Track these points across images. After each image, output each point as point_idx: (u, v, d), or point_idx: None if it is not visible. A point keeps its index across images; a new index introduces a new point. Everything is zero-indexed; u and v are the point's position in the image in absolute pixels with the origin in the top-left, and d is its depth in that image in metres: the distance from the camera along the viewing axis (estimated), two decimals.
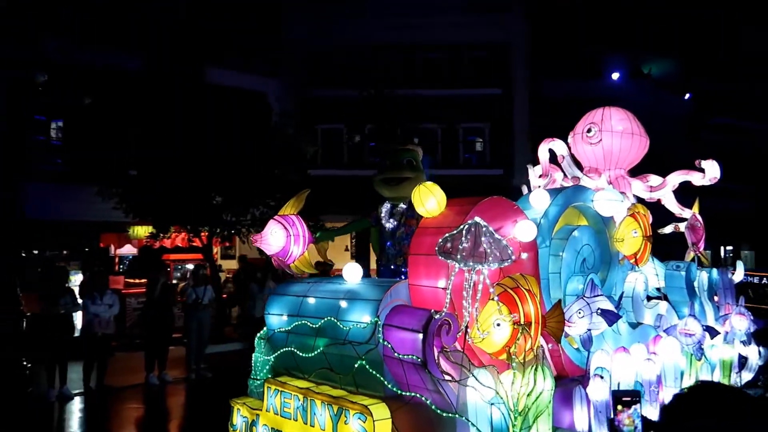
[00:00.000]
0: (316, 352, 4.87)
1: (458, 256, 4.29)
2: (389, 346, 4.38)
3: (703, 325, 5.81)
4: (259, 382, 5.30)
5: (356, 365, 4.56)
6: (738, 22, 25.11)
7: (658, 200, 6.81)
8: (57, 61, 16.52)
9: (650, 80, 25.47)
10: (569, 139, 6.72)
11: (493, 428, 4.19)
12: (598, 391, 4.85)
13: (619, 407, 4.81)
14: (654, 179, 6.70)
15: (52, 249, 17.40)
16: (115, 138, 14.76)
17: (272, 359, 5.29)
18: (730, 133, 26.85)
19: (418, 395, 4.33)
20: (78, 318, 10.91)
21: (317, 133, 21.30)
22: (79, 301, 10.76)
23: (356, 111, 20.01)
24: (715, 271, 7.16)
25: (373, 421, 4.31)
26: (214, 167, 14.25)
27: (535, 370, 4.34)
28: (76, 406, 9.90)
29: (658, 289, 6.67)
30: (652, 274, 6.54)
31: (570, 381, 5.08)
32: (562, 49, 23.00)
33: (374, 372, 4.50)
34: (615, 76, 24.50)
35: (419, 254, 4.68)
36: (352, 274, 5.00)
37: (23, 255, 16.76)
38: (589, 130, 6.43)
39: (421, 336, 4.25)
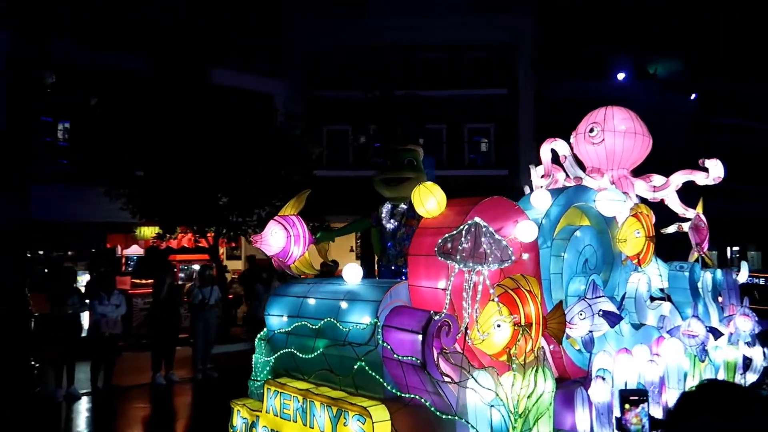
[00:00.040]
0: (315, 354, 4.82)
1: (458, 257, 4.23)
2: (388, 347, 4.32)
3: (706, 327, 5.73)
4: (259, 384, 5.25)
5: (355, 366, 4.51)
6: (744, 22, 24.93)
7: (662, 200, 6.72)
8: (63, 62, 16.56)
9: (656, 80, 25.32)
10: (571, 139, 6.65)
11: (493, 430, 4.14)
12: (600, 392, 4.79)
13: (627, 406, 4.75)
14: (657, 179, 6.61)
15: (58, 250, 17.43)
16: (122, 139, 14.78)
17: (272, 360, 5.24)
18: (736, 133, 26.64)
19: (417, 397, 4.28)
20: (85, 318, 10.92)
21: (322, 133, 21.29)
22: (86, 301, 10.76)
23: (361, 112, 19.98)
24: (719, 271, 7.07)
25: (372, 422, 4.25)
26: (220, 168, 14.25)
27: (536, 371, 4.28)
28: (83, 405, 9.95)
29: (662, 290, 6.59)
30: (655, 274, 6.47)
31: (572, 383, 5.01)
32: (567, 49, 22.90)
33: (373, 373, 4.44)
34: (621, 76, 24.38)
35: (419, 255, 4.62)
36: (351, 274, 4.95)
37: (30, 256, 16.78)
38: (591, 130, 6.36)
39: (420, 337, 4.19)
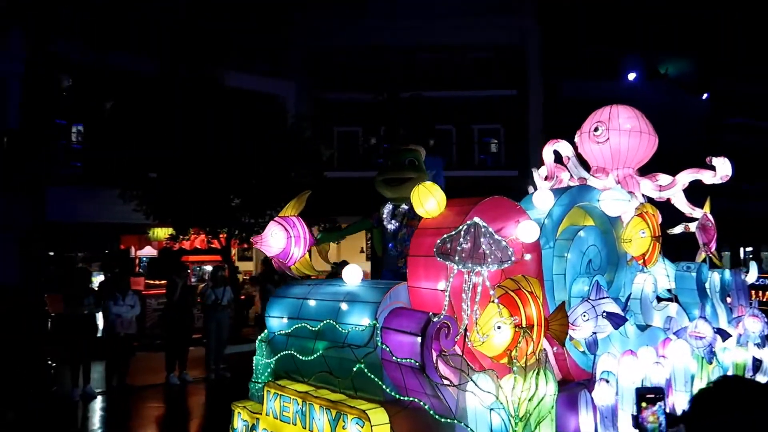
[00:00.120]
0: (315, 356, 4.72)
1: (456, 258, 4.12)
2: (387, 349, 4.22)
3: (714, 328, 5.56)
4: (260, 386, 5.16)
5: (354, 369, 4.40)
6: (754, 21, 24.56)
7: (668, 200, 6.55)
8: (76, 65, 16.63)
9: (667, 80, 25.00)
10: (576, 139, 6.50)
11: None
12: (604, 395, 4.64)
13: (644, 404, 4.62)
14: (663, 178, 6.44)
15: (72, 251, 17.50)
16: (135, 141, 14.79)
17: (273, 362, 5.15)
18: (748, 133, 26.25)
19: (416, 400, 4.17)
20: (99, 318, 10.95)
21: (333, 135, 21.22)
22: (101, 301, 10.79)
23: (372, 113, 19.90)
24: (727, 272, 6.87)
25: (371, 426, 4.14)
26: (231, 169, 14.22)
27: (537, 374, 4.15)
28: (99, 404, 9.99)
29: (669, 291, 6.41)
30: (662, 275, 6.29)
31: (575, 385, 4.88)
32: (577, 49, 22.69)
33: (372, 376, 4.33)
34: (631, 76, 24.10)
35: (419, 256, 4.51)
36: (351, 275, 4.84)
37: (45, 257, 16.86)
38: (596, 129, 6.21)
39: (419, 339, 4.08)
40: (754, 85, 26.12)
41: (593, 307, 4.63)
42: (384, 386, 4.31)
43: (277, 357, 5.10)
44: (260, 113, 15.56)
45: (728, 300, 6.84)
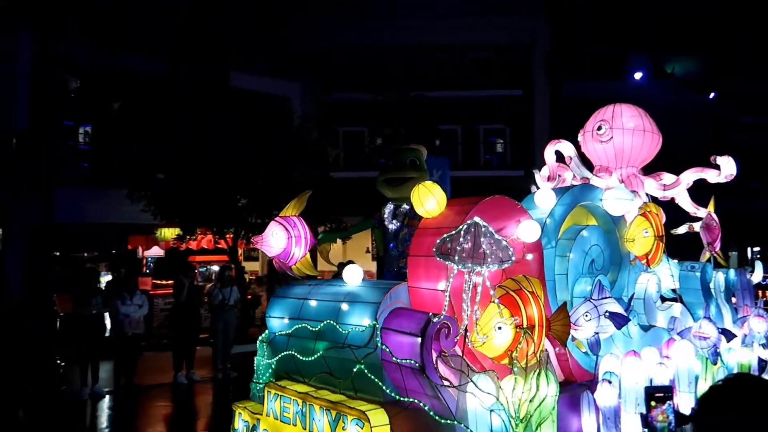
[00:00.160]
0: (315, 356, 4.67)
1: (456, 257, 4.07)
2: (387, 350, 4.17)
3: (718, 328, 5.47)
4: (261, 386, 5.12)
5: (355, 369, 4.36)
6: (761, 20, 24.32)
7: (672, 199, 6.46)
8: (84, 66, 16.68)
9: (673, 79, 24.80)
10: (579, 138, 6.42)
11: None
12: (607, 396, 4.57)
13: (653, 403, 4.57)
14: (667, 177, 6.35)
15: (80, 251, 17.55)
16: (142, 142, 14.82)
17: (274, 363, 5.10)
18: (756, 132, 26.02)
19: (416, 401, 4.11)
20: (106, 318, 10.98)
21: (338, 135, 21.18)
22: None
23: (377, 113, 19.86)
24: (732, 271, 6.77)
25: (371, 427, 4.10)
26: (238, 170, 14.23)
27: (538, 375, 4.08)
28: (107, 404, 10.05)
29: (674, 291, 6.32)
30: (666, 275, 6.20)
31: (578, 386, 4.81)
32: (582, 49, 22.53)
33: (372, 377, 4.29)
34: (637, 75, 23.91)
35: (419, 256, 4.46)
36: (351, 276, 4.79)
37: (53, 257, 16.92)
38: (599, 128, 6.12)
39: (419, 340, 4.03)
40: (762, 84, 25.87)
41: (595, 307, 4.56)
42: (384, 387, 4.26)
43: (277, 357, 5.05)
44: (266, 114, 15.56)
45: (733, 300, 6.75)
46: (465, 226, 4.11)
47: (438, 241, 4.18)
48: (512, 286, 4.18)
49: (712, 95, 25.67)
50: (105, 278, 15.74)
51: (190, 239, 16.02)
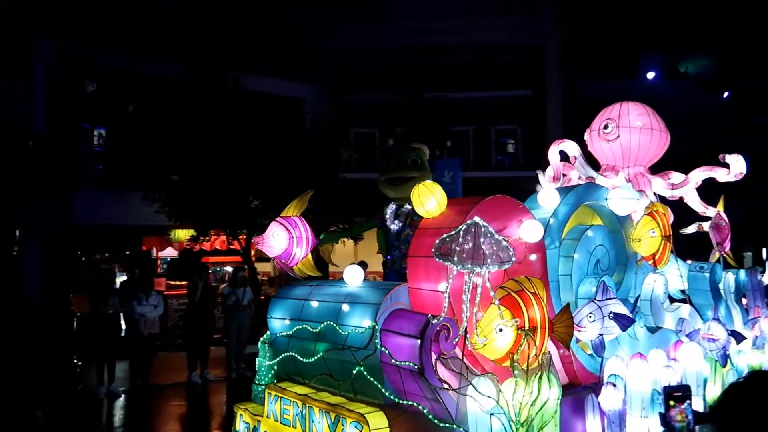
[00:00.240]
0: (316, 358, 4.59)
1: (455, 258, 3.96)
2: (386, 352, 4.07)
3: (727, 330, 5.30)
4: (262, 387, 5.04)
5: (354, 371, 4.26)
6: None
7: (681, 198, 6.29)
8: (99, 68, 16.76)
9: (687, 79, 24.43)
10: (586, 137, 6.28)
11: None
12: (611, 399, 4.43)
13: (671, 403, 4.45)
14: (676, 176, 6.18)
15: (96, 253, 17.64)
16: (157, 144, 14.85)
17: (275, 364, 5.02)
18: None
19: (415, 404, 4.01)
20: (122, 318, 11.01)
21: (350, 136, 21.07)
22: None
23: (389, 115, 19.75)
24: (742, 272, 6.58)
25: (370, 430, 4.00)
26: (251, 171, 14.19)
27: (540, 378, 3.96)
28: (123, 403, 10.10)
29: (683, 291, 6.15)
30: (675, 275, 6.04)
31: (582, 389, 4.68)
32: (594, 49, 22.27)
33: (372, 379, 4.19)
34: (650, 75, 23.57)
35: (419, 256, 4.35)
36: (352, 276, 4.69)
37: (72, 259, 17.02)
38: (606, 126, 5.98)
39: (418, 342, 3.94)
40: None
41: (599, 308, 4.43)
42: (383, 390, 4.16)
43: (278, 359, 4.97)
44: (278, 116, 15.52)
45: (744, 301, 6.56)
46: (465, 227, 4.01)
47: (437, 241, 4.08)
48: (514, 287, 4.05)
49: (726, 94, 25.25)
50: (120, 279, 15.81)
51: (203, 240, 16.01)
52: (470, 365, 4.08)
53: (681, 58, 24.41)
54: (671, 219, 5.56)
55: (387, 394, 4.16)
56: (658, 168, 6.42)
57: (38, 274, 16.09)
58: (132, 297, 10.76)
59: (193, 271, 12.28)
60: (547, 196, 4.79)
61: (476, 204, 4.24)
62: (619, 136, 5.95)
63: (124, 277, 16.07)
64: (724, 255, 6.30)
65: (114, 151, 17.14)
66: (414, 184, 4.68)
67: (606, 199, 5.19)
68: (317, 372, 4.65)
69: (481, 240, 3.96)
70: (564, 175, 6.17)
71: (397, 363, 4.00)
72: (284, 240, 4.94)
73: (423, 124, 17.85)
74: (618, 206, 5.09)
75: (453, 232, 4.03)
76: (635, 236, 5.24)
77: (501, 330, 3.92)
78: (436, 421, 3.93)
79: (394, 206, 5.32)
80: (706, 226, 6.31)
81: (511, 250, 4.00)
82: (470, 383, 3.87)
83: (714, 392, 5.37)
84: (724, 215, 6.29)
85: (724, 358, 5.30)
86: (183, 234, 17.14)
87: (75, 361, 10.42)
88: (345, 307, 4.48)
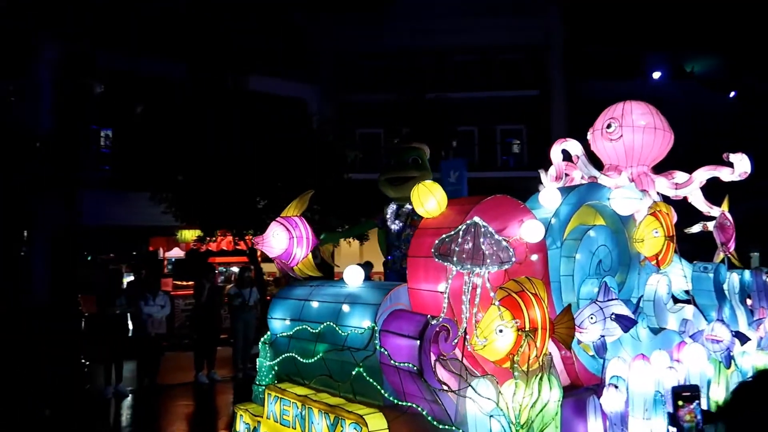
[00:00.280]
0: (315, 358, 4.54)
1: (454, 258, 3.90)
2: (386, 353, 4.01)
3: (731, 331, 5.21)
4: (262, 388, 4.99)
5: (354, 372, 4.21)
6: None
7: (685, 198, 6.20)
8: (105, 70, 16.78)
9: (693, 78, 24.26)
10: (588, 136, 6.20)
11: None
12: (613, 401, 4.36)
13: (680, 403, 4.43)
14: (680, 176, 6.09)
15: (103, 253, 17.65)
16: (163, 145, 14.82)
17: (275, 365, 4.97)
18: None
19: (414, 405, 3.95)
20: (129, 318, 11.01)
21: (355, 136, 21.00)
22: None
23: (393, 115, 19.67)
24: (747, 272, 6.48)
25: (369, 431, 3.94)
26: (257, 172, 14.16)
27: (540, 379, 3.89)
28: (131, 402, 10.06)
29: (687, 292, 6.06)
30: (679, 276, 5.95)
31: (584, 390, 4.60)
32: (600, 49, 22.12)
33: (371, 380, 4.13)
34: (656, 75, 23.41)
35: (418, 257, 4.29)
36: (352, 277, 4.64)
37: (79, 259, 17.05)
38: (608, 126, 5.90)
39: (417, 343, 3.88)
40: None
41: (601, 309, 4.36)
42: (382, 391, 4.11)
43: (279, 359, 4.93)
44: (284, 116, 15.47)
45: (749, 302, 6.45)
46: (464, 227, 3.95)
47: (437, 241, 4.02)
48: (514, 288, 3.99)
49: (732, 94, 25.06)
50: (127, 279, 15.79)
51: (210, 241, 15.98)
52: (470, 366, 4.02)
53: (687, 57, 24.24)
54: (675, 219, 5.48)
55: (386, 395, 4.10)
56: (661, 168, 6.34)
57: (45, 274, 16.11)
58: (139, 297, 10.73)
59: (200, 272, 12.25)
60: (549, 195, 4.72)
61: (476, 204, 4.18)
62: (622, 136, 5.87)
63: (131, 278, 16.07)
64: (729, 255, 6.20)
65: (120, 152, 17.12)
66: (414, 184, 4.63)
67: (608, 198, 5.11)
68: (317, 373, 4.60)
69: (481, 240, 3.91)
70: (566, 174, 6.09)
71: (396, 364, 3.95)
72: (284, 240, 4.89)
73: (427, 125, 17.74)
74: (620, 206, 5.02)
75: (452, 232, 3.97)
76: (638, 236, 5.17)
77: (501, 331, 3.86)
78: (435, 422, 3.87)
79: (394, 206, 5.26)
80: (710, 225, 6.22)
81: (511, 250, 3.94)
82: (469, 385, 3.81)
83: (718, 394, 5.29)
84: (728, 215, 6.20)
85: (728, 360, 5.21)
86: (189, 234, 17.13)
87: (83, 361, 10.41)
88: (345, 308, 4.43)
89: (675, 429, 4.43)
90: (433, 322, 3.90)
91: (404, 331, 3.99)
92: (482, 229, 3.94)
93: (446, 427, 3.86)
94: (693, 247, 6.66)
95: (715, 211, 6.19)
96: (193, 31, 17.59)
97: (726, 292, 6.04)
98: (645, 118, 5.88)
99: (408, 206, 5.10)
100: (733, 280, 6.20)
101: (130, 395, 10.27)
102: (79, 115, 16.63)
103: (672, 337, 5.26)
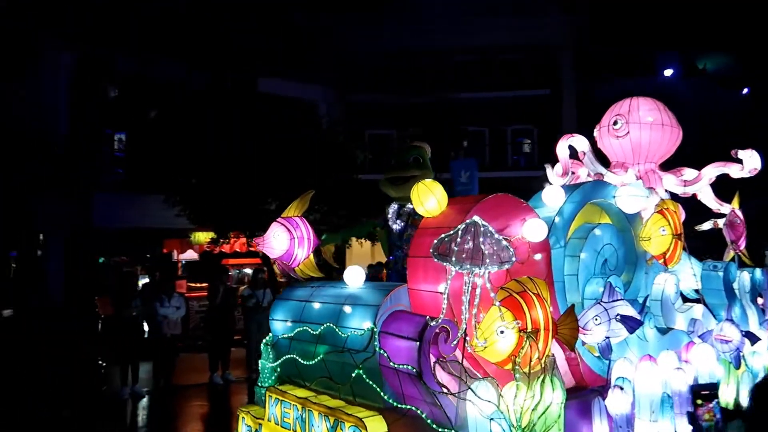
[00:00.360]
0: (316, 360, 4.44)
1: (454, 258, 3.78)
2: (385, 354, 3.91)
3: (741, 331, 5.03)
4: (264, 390, 4.91)
5: (353, 374, 4.11)
6: None
7: (695, 195, 6.02)
8: (119, 74, 16.85)
9: (705, 76, 23.87)
10: (595, 133, 6.05)
11: None
12: (618, 403, 4.22)
13: (699, 402, 4.31)
14: (689, 173, 5.92)
15: (116, 255, 17.70)
16: (177, 148, 14.84)
17: (277, 366, 4.89)
18: None
19: (414, 408, 3.84)
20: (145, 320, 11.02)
21: (364, 137, 20.89)
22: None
23: (404, 115, 19.55)
24: (758, 271, 6.28)
25: None
26: (269, 174, 14.13)
27: (542, 381, 3.77)
28: (147, 403, 10.03)
29: (697, 291, 5.88)
30: (689, 274, 5.78)
31: (589, 392, 4.46)
32: (611, 47, 21.84)
33: (371, 382, 4.03)
34: (668, 72, 23.07)
35: (418, 257, 4.18)
36: (353, 277, 4.54)
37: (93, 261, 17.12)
38: (615, 123, 5.76)
39: (416, 344, 3.77)
40: None
41: (606, 310, 4.22)
42: (382, 393, 4.01)
43: (280, 361, 4.84)
44: (294, 118, 15.43)
45: (760, 301, 6.25)
46: (463, 226, 3.84)
47: (436, 241, 3.91)
48: (516, 288, 3.87)
49: (745, 91, 24.64)
50: (142, 281, 15.82)
51: (223, 243, 15.98)
52: (470, 368, 3.91)
53: (699, 55, 23.87)
54: (683, 216, 5.31)
55: (386, 397, 4.00)
56: (668, 165, 6.17)
57: (60, 276, 16.18)
58: (154, 299, 10.74)
59: (214, 274, 12.23)
60: (552, 194, 4.59)
61: (477, 203, 4.06)
62: (629, 132, 5.72)
63: (146, 280, 16.10)
64: (739, 253, 6.01)
65: (134, 155, 17.19)
66: (415, 183, 4.51)
67: (614, 196, 4.97)
68: (318, 374, 4.52)
69: (481, 240, 3.79)
70: (572, 172, 5.94)
71: (396, 366, 3.84)
72: (285, 241, 4.82)
73: (437, 125, 17.61)
74: (626, 204, 4.87)
75: (452, 232, 3.86)
76: (645, 234, 5.01)
77: (502, 332, 3.74)
78: (435, 426, 3.77)
79: (396, 206, 5.17)
80: (721, 222, 6.03)
81: (512, 250, 3.82)
82: (469, 387, 3.70)
83: (728, 394, 5.12)
84: (739, 212, 6.01)
85: (738, 360, 5.04)
86: (203, 236, 17.14)
87: (99, 362, 10.43)
88: (347, 309, 4.33)
89: (694, 428, 4.33)
90: (432, 324, 3.79)
91: (403, 333, 3.89)
92: (482, 229, 3.82)
93: (446, 430, 3.75)
94: (704, 245, 6.48)
95: (725, 209, 6.00)
96: (195, 33, 17.57)
97: (736, 291, 5.85)
98: (652, 115, 5.73)
99: (409, 206, 5.00)
100: (743, 278, 6.02)
101: (146, 396, 10.28)
102: (93, 119, 16.70)
103: (680, 337, 5.10)
